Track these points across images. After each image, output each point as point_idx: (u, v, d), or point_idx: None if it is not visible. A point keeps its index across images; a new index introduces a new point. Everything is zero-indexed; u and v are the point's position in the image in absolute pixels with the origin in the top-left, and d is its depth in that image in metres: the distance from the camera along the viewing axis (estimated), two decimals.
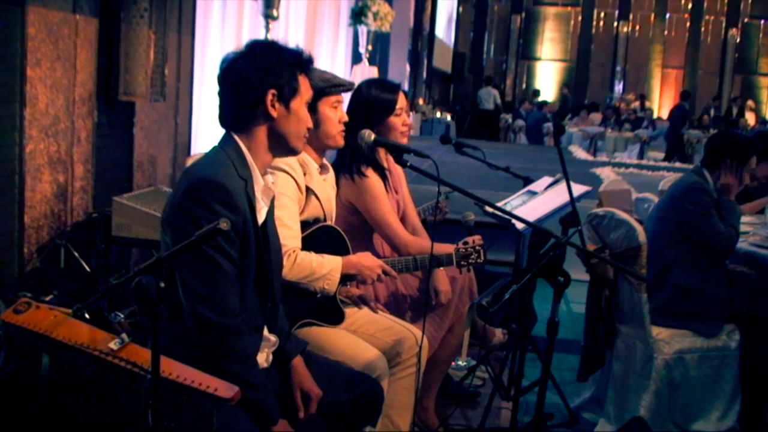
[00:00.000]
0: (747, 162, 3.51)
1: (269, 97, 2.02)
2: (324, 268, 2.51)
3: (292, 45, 2.12)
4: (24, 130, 3.37)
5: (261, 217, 2.09)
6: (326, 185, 2.74)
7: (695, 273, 3.45)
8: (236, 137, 2.05)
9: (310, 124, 2.13)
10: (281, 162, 2.52)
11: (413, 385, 2.74)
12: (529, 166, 7.52)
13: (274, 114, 2.04)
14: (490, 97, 17.24)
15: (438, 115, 15.50)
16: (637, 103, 19.15)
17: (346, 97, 2.79)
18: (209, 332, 1.93)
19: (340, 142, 2.69)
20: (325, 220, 2.69)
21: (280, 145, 2.09)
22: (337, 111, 2.66)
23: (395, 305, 3.05)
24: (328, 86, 2.62)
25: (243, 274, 2.01)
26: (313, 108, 2.57)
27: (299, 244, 2.53)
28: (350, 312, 2.76)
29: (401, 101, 3.07)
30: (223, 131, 2.11)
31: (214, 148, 2.08)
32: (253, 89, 2.01)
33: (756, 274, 3.75)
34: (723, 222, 3.44)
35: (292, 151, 2.13)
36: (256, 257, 2.04)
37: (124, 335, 1.83)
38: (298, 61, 2.08)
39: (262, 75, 2.00)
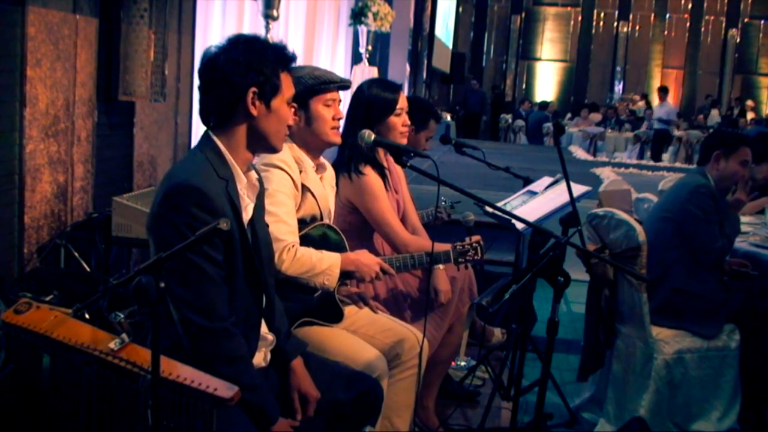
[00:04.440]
0: (736, 150, 3.51)
1: (249, 95, 1.99)
2: (324, 264, 2.51)
3: (282, 42, 2.09)
4: (24, 130, 3.37)
5: (247, 214, 2.08)
6: (323, 183, 2.74)
7: (693, 275, 3.45)
8: (214, 137, 2.03)
9: (291, 122, 2.10)
10: (276, 159, 2.51)
11: (413, 386, 2.74)
12: (529, 166, 7.52)
13: (255, 112, 2.01)
14: None
15: None
16: (641, 104, 19.16)
17: (345, 95, 2.77)
18: (200, 337, 1.93)
19: (334, 139, 2.68)
20: (321, 218, 2.69)
21: (260, 144, 2.07)
22: (330, 109, 2.64)
23: (395, 305, 3.05)
24: (318, 83, 2.60)
25: (232, 274, 2.00)
26: (305, 105, 2.57)
27: (298, 240, 2.53)
28: (350, 312, 2.76)
29: (402, 101, 3.07)
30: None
31: (193, 150, 2.06)
32: (234, 86, 1.98)
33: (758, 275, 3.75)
34: (721, 232, 3.44)
35: (272, 150, 2.12)
36: (244, 255, 2.03)
37: (124, 335, 1.83)
38: (281, 59, 2.05)
39: (243, 72, 1.98)
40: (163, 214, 1.91)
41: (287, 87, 2.07)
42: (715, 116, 17.37)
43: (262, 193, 2.19)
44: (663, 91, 15.87)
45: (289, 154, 2.57)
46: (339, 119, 2.67)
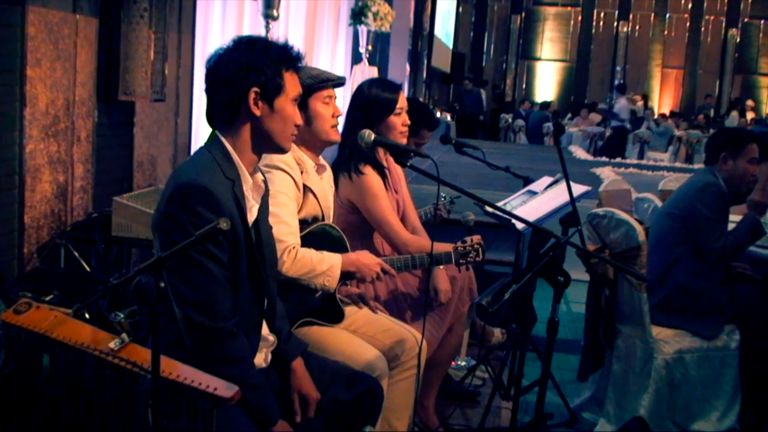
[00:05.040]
0: (742, 149, 3.50)
1: (251, 95, 2.00)
2: (324, 265, 2.51)
3: (287, 42, 2.09)
4: (24, 130, 3.36)
5: (252, 215, 2.08)
6: (323, 184, 2.74)
7: (698, 273, 3.45)
8: (222, 137, 2.04)
9: (299, 122, 2.10)
10: (278, 160, 2.51)
11: (412, 387, 2.74)
12: (529, 166, 7.51)
13: (258, 112, 2.01)
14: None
15: (438, 115, 15.50)
16: (641, 103, 19.16)
17: (339, 92, 2.78)
18: (203, 337, 1.93)
19: (334, 137, 2.69)
20: (323, 218, 2.69)
21: (266, 144, 2.07)
22: (329, 106, 2.65)
23: (395, 305, 3.05)
24: (316, 82, 2.61)
25: (235, 275, 2.00)
26: (303, 105, 2.57)
27: (299, 241, 2.53)
28: (350, 312, 2.76)
29: (401, 101, 3.07)
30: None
31: (200, 149, 2.06)
32: (236, 87, 1.99)
33: (756, 274, 3.75)
34: (729, 233, 3.42)
35: (280, 150, 2.11)
36: (248, 256, 2.03)
37: (124, 335, 1.83)
38: (285, 58, 2.05)
39: (245, 72, 1.98)
40: (170, 213, 1.91)
41: (292, 87, 2.06)
42: (734, 118, 17.23)
43: (266, 194, 2.19)
44: (618, 89, 16.07)
45: (290, 155, 2.57)
46: (337, 116, 2.68)
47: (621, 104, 15.40)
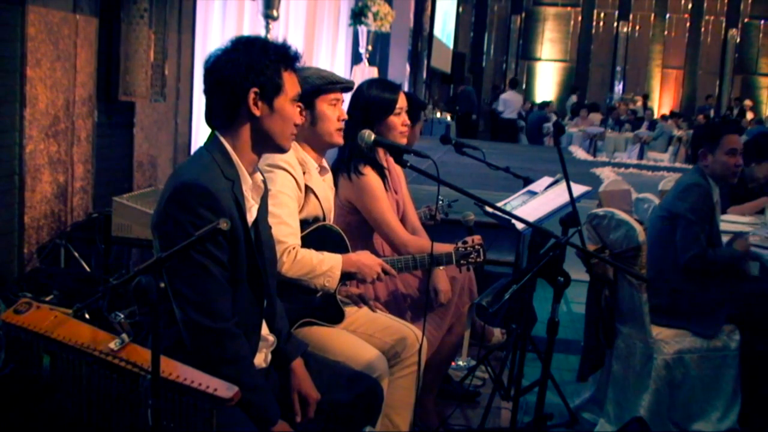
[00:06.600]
0: (717, 142, 3.47)
1: (251, 95, 1.99)
2: (324, 266, 2.51)
3: (285, 41, 2.08)
4: (24, 130, 3.37)
5: (252, 215, 2.08)
6: (325, 185, 2.74)
7: (693, 276, 3.44)
8: (221, 137, 2.03)
9: (298, 121, 2.10)
10: (280, 160, 2.51)
11: (413, 384, 2.74)
12: (529, 166, 7.51)
13: (257, 113, 2.01)
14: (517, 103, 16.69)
15: (438, 115, 15.50)
16: (640, 103, 19.15)
17: (346, 97, 2.78)
18: (203, 337, 1.93)
19: (339, 140, 2.69)
20: (324, 219, 2.69)
21: (266, 144, 2.07)
22: (335, 109, 2.65)
23: (395, 305, 3.05)
24: (325, 83, 2.62)
25: (235, 275, 2.00)
26: (310, 105, 2.57)
27: (299, 242, 2.53)
28: (350, 312, 2.76)
29: (401, 101, 3.08)
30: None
31: (200, 149, 2.06)
32: (235, 88, 1.98)
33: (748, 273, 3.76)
34: (710, 241, 3.40)
35: (280, 150, 2.11)
36: (248, 256, 2.03)
37: (124, 335, 1.83)
38: (283, 58, 2.04)
39: (244, 73, 1.98)
40: (169, 213, 1.91)
41: (291, 86, 2.06)
42: None
43: (266, 194, 2.19)
44: (511, 83, 17.24)
45: (293, 155, 2.57)
46: (342, 120, 2.68)
47: (501, 98, 16.22)
